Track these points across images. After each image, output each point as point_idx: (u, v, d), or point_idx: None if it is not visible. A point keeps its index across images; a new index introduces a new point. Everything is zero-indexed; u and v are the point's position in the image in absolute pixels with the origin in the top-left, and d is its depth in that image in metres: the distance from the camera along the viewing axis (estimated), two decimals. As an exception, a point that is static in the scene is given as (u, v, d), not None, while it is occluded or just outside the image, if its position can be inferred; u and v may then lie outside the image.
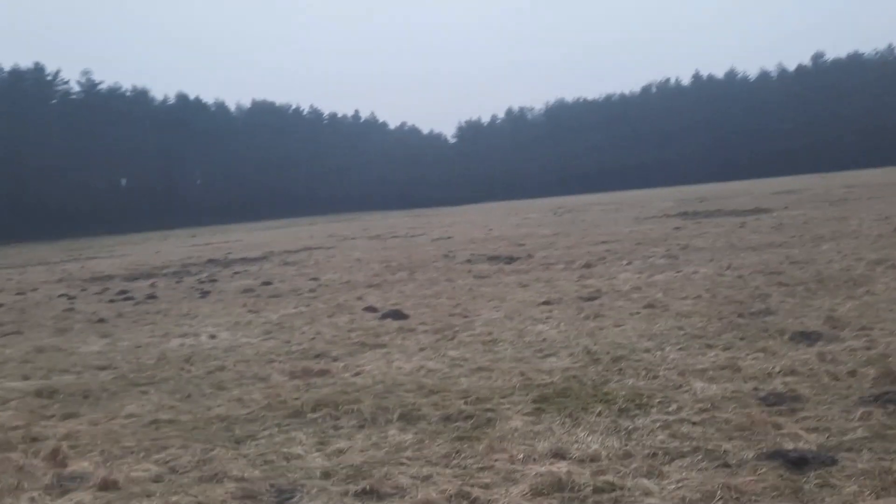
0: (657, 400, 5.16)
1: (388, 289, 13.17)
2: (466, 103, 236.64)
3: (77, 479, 4.34)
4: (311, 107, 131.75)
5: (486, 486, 3.88)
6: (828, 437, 4.27)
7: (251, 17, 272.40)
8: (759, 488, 3.64)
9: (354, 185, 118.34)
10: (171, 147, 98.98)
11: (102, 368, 7.62)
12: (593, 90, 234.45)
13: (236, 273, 18.88)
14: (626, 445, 4.34)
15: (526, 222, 34.23)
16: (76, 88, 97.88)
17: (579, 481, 3.81)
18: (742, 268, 12.00)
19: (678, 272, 12.21)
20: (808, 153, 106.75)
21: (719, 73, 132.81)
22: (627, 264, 14.02)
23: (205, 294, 14.53)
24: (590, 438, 4.48)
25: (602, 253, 16.40)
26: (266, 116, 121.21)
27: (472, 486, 3.87)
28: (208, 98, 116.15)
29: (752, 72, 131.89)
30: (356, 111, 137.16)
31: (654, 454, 4.18)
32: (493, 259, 17.22)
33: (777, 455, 4.02)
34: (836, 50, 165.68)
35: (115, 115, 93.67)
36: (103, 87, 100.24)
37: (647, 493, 3.67)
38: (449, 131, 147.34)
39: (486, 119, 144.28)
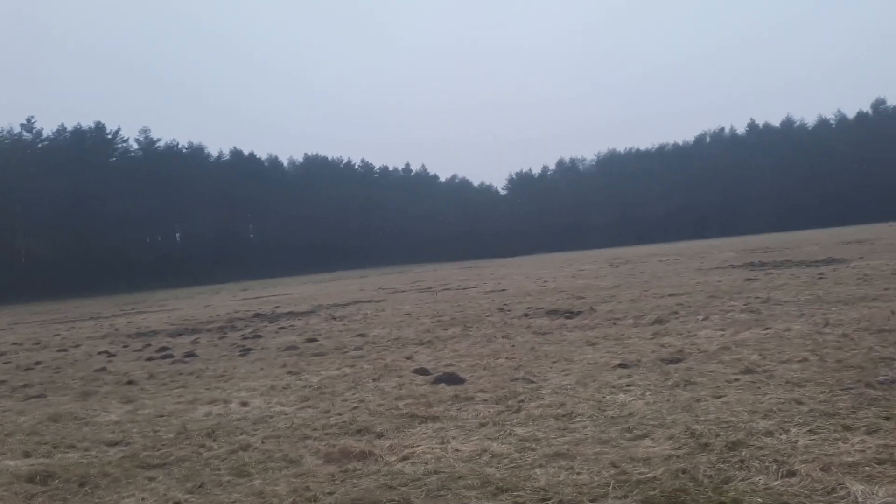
0: (807, 511, 3.81)
1: (441, 346, 11.99)
2: (516, 157, 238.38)
3: None
4: (363, 160, 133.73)
5: None
6: None
7: (291, 81, 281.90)
8: None
9: (405, 238, 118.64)
10: (225, 201, 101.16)
11: (114, 444, 6.61)
12: (645, 141, 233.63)
13: (281, 328, 18.04)
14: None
15: (581, 274, 32.75)
16: (134, 146, 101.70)
17: None
18: (843, 324, 10.44)
19: (767, 329, 10.71)
20: (870, 202, 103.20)
21: (775, 121, 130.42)
22: (704, 319, 12.56)
23: (246, 351, 13.65)
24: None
25: (673, 307, 14.94)
26: (318, 170, 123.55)
27: None
28: (262, 153, 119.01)
29: (810, 119, 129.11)
30: (407, 164, 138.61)
31: None
32: (551, 313, 15.92)
33: None
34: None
35: (171, 170, 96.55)
36: (161, 144, 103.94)
37: None
38: (499, 183, 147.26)
39: (537, 170, 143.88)
